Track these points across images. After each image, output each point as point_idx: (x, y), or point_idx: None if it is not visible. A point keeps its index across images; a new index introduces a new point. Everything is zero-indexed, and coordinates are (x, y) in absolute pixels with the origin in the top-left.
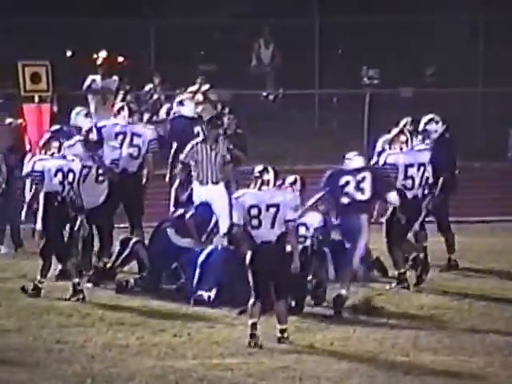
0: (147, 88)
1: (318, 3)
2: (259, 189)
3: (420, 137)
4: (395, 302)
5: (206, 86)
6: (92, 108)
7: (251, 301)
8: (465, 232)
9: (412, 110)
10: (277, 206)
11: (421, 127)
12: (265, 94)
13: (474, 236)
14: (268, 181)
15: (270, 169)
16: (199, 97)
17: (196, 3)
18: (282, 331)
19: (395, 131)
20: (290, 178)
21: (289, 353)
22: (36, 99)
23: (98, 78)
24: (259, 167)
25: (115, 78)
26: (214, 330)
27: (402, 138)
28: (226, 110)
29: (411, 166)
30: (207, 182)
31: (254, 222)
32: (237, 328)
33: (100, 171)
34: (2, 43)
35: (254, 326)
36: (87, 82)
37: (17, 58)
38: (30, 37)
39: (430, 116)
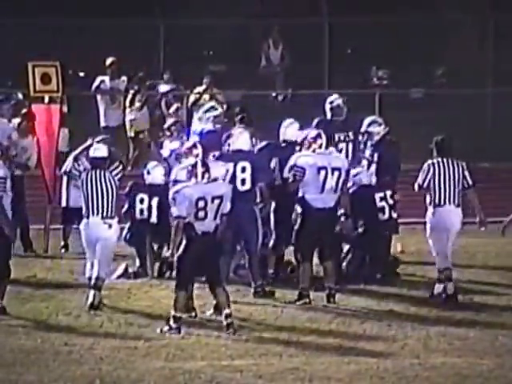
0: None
1: (327, 3)
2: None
3: (361, 138)
4: (405, 303)
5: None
6: (101, 109)
7: (181, 293)
8: (474, 233)
9: (422, 111)
10: (221, 197)
11: (363, 128)
12: (274, 94)
13: (484, 237)
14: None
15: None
16: (206, 97)
17: (205, 3)
18: (227, 316)
19: (313, 133)
20: (313, 133)
21: (298, 354)
22: (46, 100)
23: (106, 78)
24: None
25: (124, 78)
26: (223, 332)
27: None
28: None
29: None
30: None
31: (201, 213)
32: (246, 329)
33: None
34: (13, 43)
35: (177, 319)
36: (96, 83)
37: (25, 57)
38: (40, 37)
39: (373, 117)
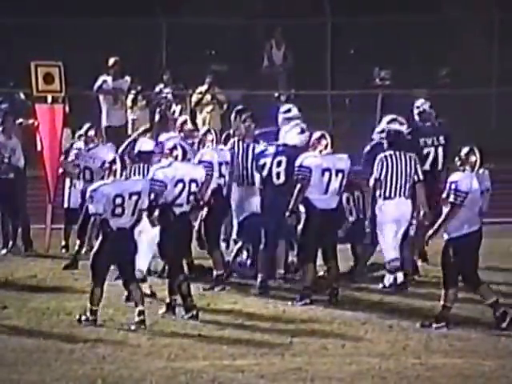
0: (157, 89)
1: (329, 3)
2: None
3: (379, 135)
4: (407, 303)
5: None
6: (104, 108)
7: (96, 289)
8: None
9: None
10: (138, 193)
11: (382, 125)
12: (276, 94)
13: (488, 237)
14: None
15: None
16: (208, 97)
17: (208, 3)
18: (140, 313)
19: (317, 134)
20: (317, 133)
21: (300, 354)
22: (49, 100)
23: (109, 78)
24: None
25: (127, 78)
26: (225, 332)
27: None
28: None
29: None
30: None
31: (118, 210)
32: (248, 329)
33: None
34: (14, 43)
35: (93, 312)
36: (98, 83)
37: (26, 57)
38: (41, 37)
39: (393, 116)
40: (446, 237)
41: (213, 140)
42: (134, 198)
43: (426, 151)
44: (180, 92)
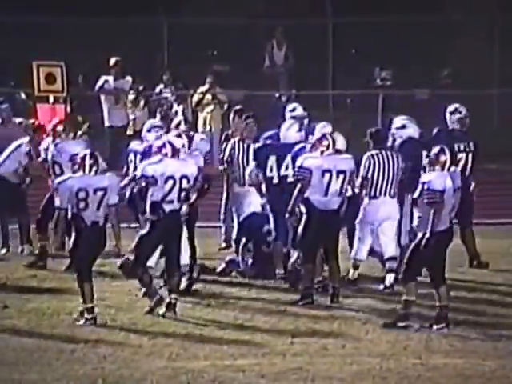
0: (158, 89)
1: (331, 4)
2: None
3: (399, 131)
4: None
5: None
6: (105, 108)
7: (86, 285)
8: (481, 234)
9: (427, 112)
10: (104, 189)
11: (395, 125)
12: (277, 94)
13: (489, 238)
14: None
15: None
16: (208, 97)
17: (209, 3)
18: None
19: (317, 135)
20: (317, 134)
21: (301, 354)
22: (51, 99)
23: (110, 78)
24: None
25: (128, 78)
26: (226, 331)
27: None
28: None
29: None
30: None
31: (81, 204)
32: (248, 329)
33: None
34: (15, 43)
35: (89, 310)
36: (100, 83)
37: (26, 57)
38: (41, 37)
39: (406, 117)
40: (419, 234)
41: (183, 145)
42: (99, 193)
43: (458, 156)
44: (180, 92)
